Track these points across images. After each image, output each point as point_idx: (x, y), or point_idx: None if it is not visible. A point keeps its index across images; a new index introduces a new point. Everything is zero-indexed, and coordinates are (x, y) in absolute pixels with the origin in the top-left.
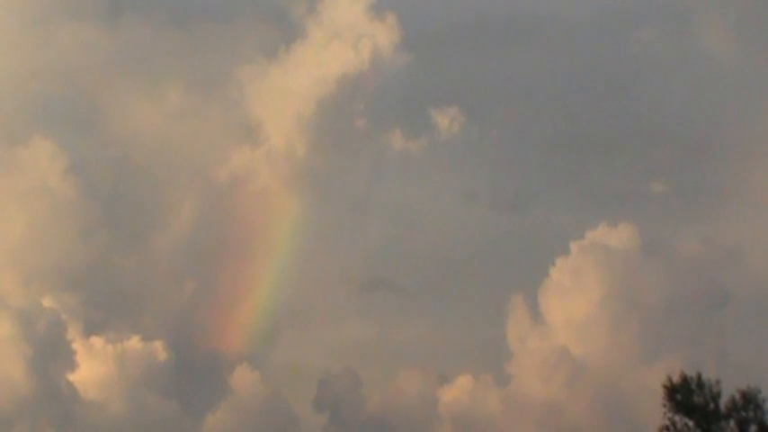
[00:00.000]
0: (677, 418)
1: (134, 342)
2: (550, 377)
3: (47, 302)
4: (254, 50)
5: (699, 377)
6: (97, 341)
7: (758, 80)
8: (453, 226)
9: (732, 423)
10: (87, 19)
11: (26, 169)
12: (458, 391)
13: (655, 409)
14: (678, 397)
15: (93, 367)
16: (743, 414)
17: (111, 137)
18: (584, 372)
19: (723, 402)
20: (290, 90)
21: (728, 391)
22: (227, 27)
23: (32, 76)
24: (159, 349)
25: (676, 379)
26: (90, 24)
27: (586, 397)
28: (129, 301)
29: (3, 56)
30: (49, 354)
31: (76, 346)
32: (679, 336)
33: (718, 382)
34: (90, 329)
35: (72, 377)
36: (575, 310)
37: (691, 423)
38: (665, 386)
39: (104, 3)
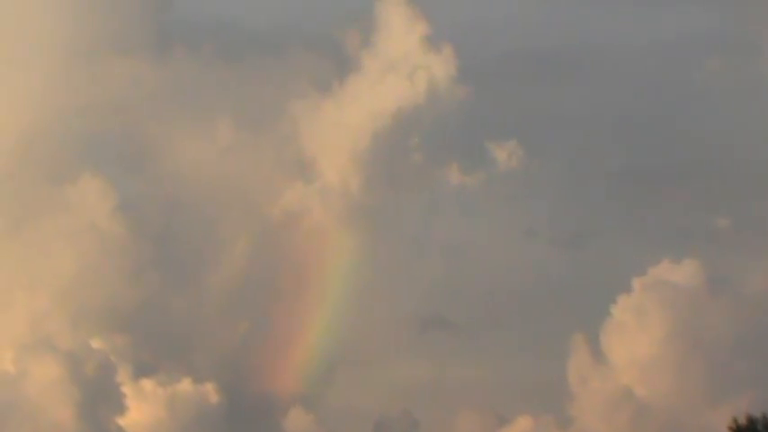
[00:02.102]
0: None
1: (185, 384)
2: (613, 419)
3: (95, 344)
4: (307, 84)
5: (765, 418)
6: (147, 384)
7: None
8: (511, 263)
9: None
10: (135, 53)
11: (74, 208)
12: None
13: None
14: None
15: (142, 410)
16: None
17: (160, 174)
18: (648, 413)
19: None
20: (344, 124)
21: None
22: (279, 60)
23: (80, 112)
24: (211, 391)
25: (742, 420)
26: (138, 58)
27: None
28: (179, 342)
29: (49, 92)
30: (98, 397)
31: (126, 388)
32: (746, 375)
33: None
34: (140, 372)
35: (121, 421)
36: (638, 349)
37: None
38: (730, 428)
39: (152, 36)
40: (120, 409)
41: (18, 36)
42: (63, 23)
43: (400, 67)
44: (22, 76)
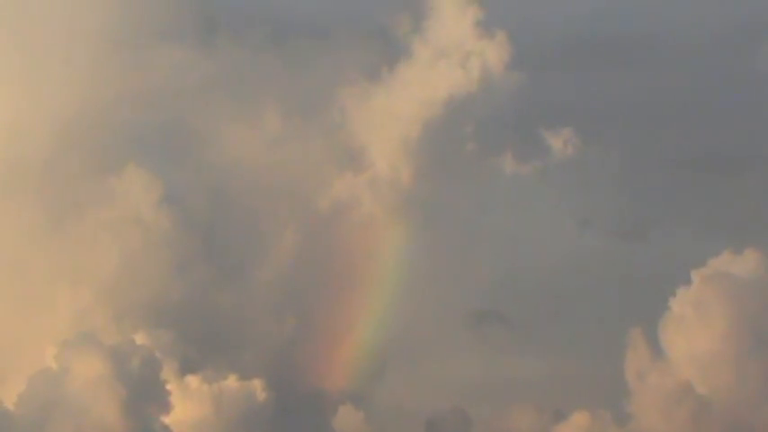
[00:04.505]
0: None
1: (231, 381)
2: (672, 415)
3: (140, 339)
4: (356, 71)
5: None
6: (193, 380)
7: None
8: (567, 254)
9: None
10: (180, 41)
11: (119, 200)
12: (574, 429)
13: None
14: None
15: (188, 408)
16: None
17: (207, 165)
18: (709, 409)
19: None
20: (394, 113)
21: None
22: (327, 47)
23: (124, 101)
24: (258, 388)
25: None
26: (183, 47)
27: None
28: (226, 337)
29: (92, 81)
30: (143, 394)
31: (171, 386)
32: None
33: None
34: (185, 368)
35: (166, 419)
36: (698, 343)
37: None
38: None
39: (198, 24)
40: (165, 406)
41: (61, 24)
42: (106, 11)
43: (452, 54)
44: (64, 65)
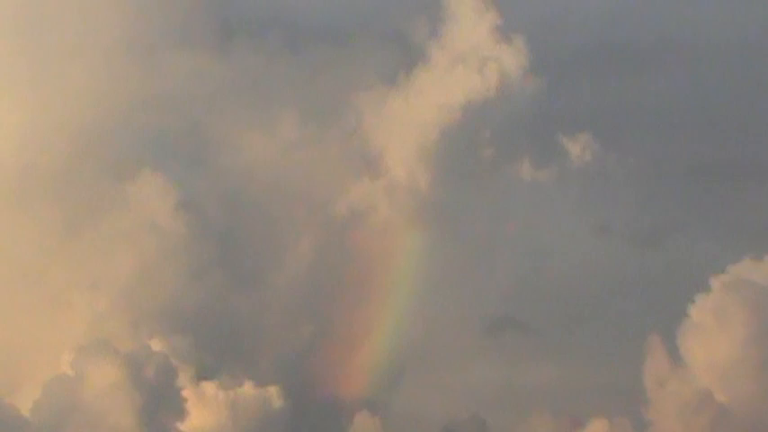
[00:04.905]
0: None
1: (247, 388)
2: (691, 423)
3: (156, 346)
4: (373, 76)
5: None
6: (209, 387)
7: None
8: (585, 261)
9: None
10: (196, 46)
11: (134, 206)
12: None
13: None
14: None
15: (204, 415)
16: None
17: (222, 170)
18: (728, 418)
19: None
20: (411, 118)
21: None
22: (344, 52)
23: (139, 107)
24: (274, 396)
25: None
26: (199, 52)
27: None
28: (242, 344)
29: (109, 87)
30: (159, 401)
31: (187, 392)
32: None
33: None
34: (201, 375)
35: (182, 426)
36: (717, 351)
37: None
38: None
39: (213, 29)
40: (181, 413)
41: (76, 30)
42: (122, 17)
43: (470, 59)
44: (79, 72)
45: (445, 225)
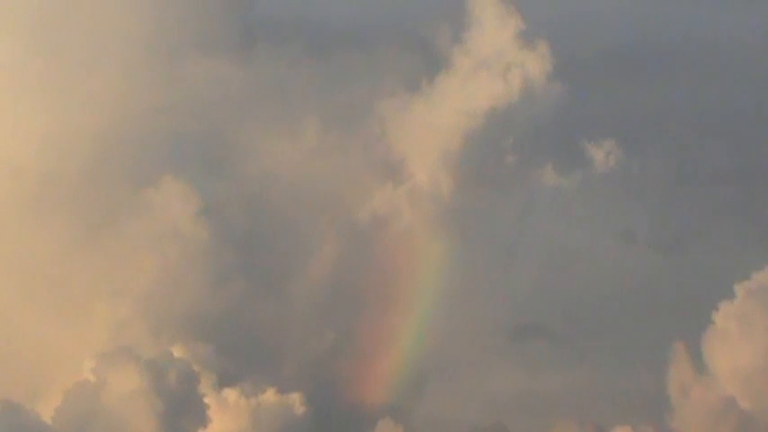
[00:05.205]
0: None
1: (269, 395)
2: (716, 430)
3: (178, 352)
4: (396, 82)
5: None
6: (231, 394)
7: None
8: (609, 267)
9: None
10: (218, 52)
11: (156, 212)
12: None
13: None
14: None
15: (225, 422)
16: None
17: (245, 176)
18: (753, 424)
19: None
20: (434, 124)
21: None
22: (367, 58)
23: (161, 113)
24: (296, 402)
25: None
26: (221, 57)
27: None
28: (264, 351)
29: (130, 92)
30: (180, 408)
31: (209, 399)
32: None
33: None
34: (223, 381)
35: None
36: (741, 358)
37: None
38: None
39: (236, 34)
40: (203, 420)
41: (98, 35)
42: (143, 22)
43: (493, 65)
44: (101, 76)
45: (468, 231)
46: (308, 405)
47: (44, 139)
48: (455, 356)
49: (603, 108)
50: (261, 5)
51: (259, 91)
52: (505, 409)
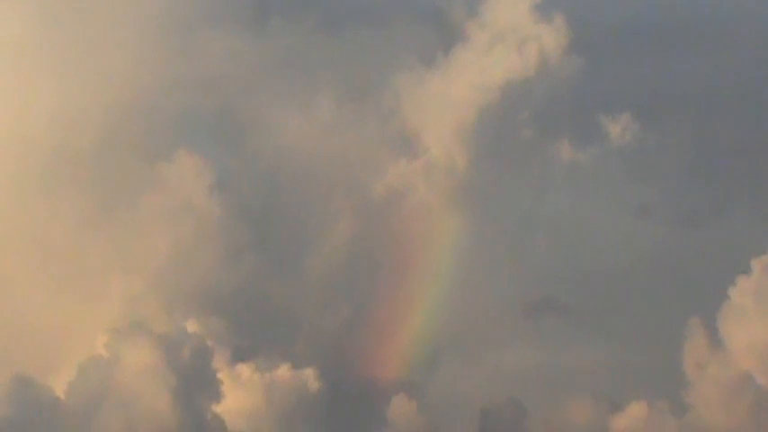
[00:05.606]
0: None
1: (284, 370)
2: (732, 406)
3: (191, 328)
4: (411, 56)
5: None
6: (244, 369)
7: None
8: (625, 242)
9: None
10: (231, 26)
11: (170, 186)
12: (631, 420)
13: None
14: None
15: (239, 398)
16: None
17: (259, 151)
18: None
19: None
20: (449, 98)
21: None
22: (381, 32)
23: (175, 87)
24: (311, 378)
25: None
26: (234, 32)
27: None
28: (278, 326)
29: (143, 67)
30: (194, 383)
31: (222, 374)
32: None
33: None
34: (237, 356)
35: (217, 408)
36: (758, 333)
37: None
38: None
39: (249, 9)
40: (217, 395)
41: (111, 10)
42: None
43: (509, 38)
44: (114, 50)
45: (484, 206)
46: (322, 381)
47: (57, 114)
48: (470, 332)
49: (620, 82)
50: None
51: (273, 65)
52: (520, 385)
